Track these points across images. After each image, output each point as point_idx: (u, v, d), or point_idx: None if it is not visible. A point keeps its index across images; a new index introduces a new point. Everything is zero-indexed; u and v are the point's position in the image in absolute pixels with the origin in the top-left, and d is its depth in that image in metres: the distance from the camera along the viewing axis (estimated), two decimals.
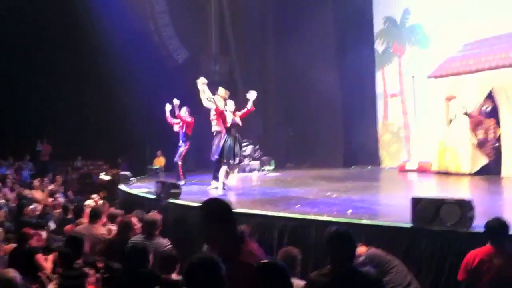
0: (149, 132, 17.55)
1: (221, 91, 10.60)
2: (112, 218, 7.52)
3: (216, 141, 10.69)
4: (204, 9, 19.20)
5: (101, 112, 17.59)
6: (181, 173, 11.96)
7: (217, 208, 3.24)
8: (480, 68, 12.31)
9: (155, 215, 6.46)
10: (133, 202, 10.10)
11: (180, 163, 11.94)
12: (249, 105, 10.16)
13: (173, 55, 18.19)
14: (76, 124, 17.51)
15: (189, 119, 11.80)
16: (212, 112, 10.73)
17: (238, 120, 9.86)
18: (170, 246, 5.99)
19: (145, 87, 16.75)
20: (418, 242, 5.66)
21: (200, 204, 3.38)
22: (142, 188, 11.22)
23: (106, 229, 7.10)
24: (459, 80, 12.93)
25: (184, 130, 11.82)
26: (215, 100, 10.29)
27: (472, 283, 4.70)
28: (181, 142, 11.97)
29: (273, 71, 19.68)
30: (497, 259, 4.57)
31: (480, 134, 12.29)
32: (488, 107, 12.15)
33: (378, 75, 17.28)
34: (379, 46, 17.45)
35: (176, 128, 12.04)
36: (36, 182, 13.22)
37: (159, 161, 17.34)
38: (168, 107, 11.92)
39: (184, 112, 11.81)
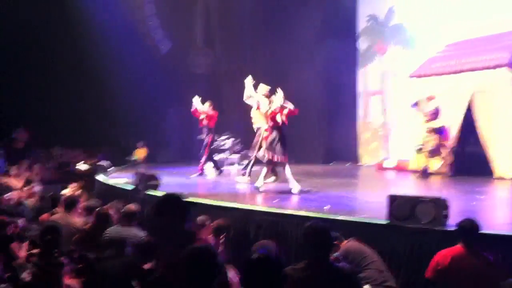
0: (130, 122, 17.42)
1: (262, 88, 10.52)
2: (89, 211, 7.46)
3: (256, 138, 10.78)
4: (190, 1, 19.09)
5: (81, 101, 17.39)
6: (200, 167, 12.53)
7: (172, 203, 3.21)
8: (461, 70, 12.43)
9: (133, 206, 6.45)
10: (111, 193, 10.05)
11: (204, 157, 12.51)
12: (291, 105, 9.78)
13: (158, 46, 18.07)
14: (54, 112, 17.28)
15: (211, 112, 12.40)
16: (253, 109, 10.82)
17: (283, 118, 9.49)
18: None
19: (127, 76, 16.58)
20: (394, 239, 5.73)
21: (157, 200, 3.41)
22: (120, 179, 11.16)
23: (83, 220, 7.05)
24: (440, 81, 13.05)
25: (207, 123, 12.34)
26: (258, 99, 10.37)
27: (443, 282, 4.75)
28: (204, 135, 12.54)
29: (256, 66, 19.64)
30: (469, 259, 4.62)
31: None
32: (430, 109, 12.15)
33: (360, 73, 17.37)
34: (362, 44, 17.54)
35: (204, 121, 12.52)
36: (13, 170, 13.04)
37: (140, 152, 17.24)
38: (195, 100, 12.42)
39: (208, 106, 12.40)
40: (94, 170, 13.61)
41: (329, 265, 3.72)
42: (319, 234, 3.73)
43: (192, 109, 12.51)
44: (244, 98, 10.82)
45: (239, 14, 19.07)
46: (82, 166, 15.94)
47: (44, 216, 7.73)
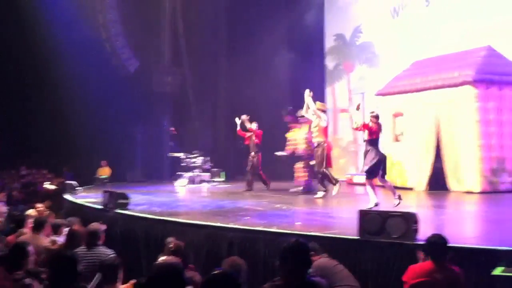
0: (96, 141, 17.22)
1: (320, 104, 11.13)
2: (55, 229, 7.34)
3: (318, 152, 10.92)
4: (157, 20, 19.10)
5: (47, 120, 17.16)
6: (265, 179, 13.35)
7: None
8: (426, 87, 12.65)
9: (97, 225, 6.35)
10: (79, 212, 9.89)
11: (261, 172, 13.32)
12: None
13: (125, 65, 17.98)
14: (20, 132, 17.01)
15: (258, 130, 13.23)
16: (313, 124, 11.08)
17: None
18: (113, 255, 5.88)
19: (94, 95, 16.44)
20: (365, 254, 5.76)
21: None
22: (88, 198, 11.01)
23: (50, 240, 6.91)
24: (406, 98, 13.28)
25: (255, 141, 13.13)
26: (318, 114, 10.83)
27: None
28: (253, 153, 13.22)
29: (224, 84, 19.75)
30: (438, 274, 4.64)
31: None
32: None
33: (328, 91, 17.58)
34: (329, 63, 17.80)
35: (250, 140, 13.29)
36: None
37: (104, 171, 17.03)
38: (238, 121, 13.32)
39: (255, 124, 13.26)
40: (62, 189, 13.39)
41: (307, 282, 3.70)
42: (299, 251, 3.71)
43: (237, 129, 13.32)
44: (303, 112, 11.33)
45: (207, 34, 19.18)
46: (49, 185, 15.67)
47: (11, 237, 7.54)
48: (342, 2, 17.53)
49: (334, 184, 10.92)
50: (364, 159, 8.89)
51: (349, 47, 17.09)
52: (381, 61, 15.96)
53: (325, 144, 10.89)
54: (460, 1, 13.56)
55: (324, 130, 10.91)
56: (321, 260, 5.42)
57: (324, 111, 10.97)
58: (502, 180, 11.65)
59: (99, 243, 6.04)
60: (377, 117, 8.96)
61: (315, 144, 11.05)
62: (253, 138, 13.11)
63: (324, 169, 10.85)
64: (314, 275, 4.90)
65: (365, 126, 8.83)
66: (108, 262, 5.24)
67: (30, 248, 5.41)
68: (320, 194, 10.95)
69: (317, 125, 10.94)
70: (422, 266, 4.75)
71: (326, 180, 11.03)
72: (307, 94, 11.06)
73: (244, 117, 13.25)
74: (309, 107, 10.99)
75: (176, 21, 19.01)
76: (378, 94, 14.97)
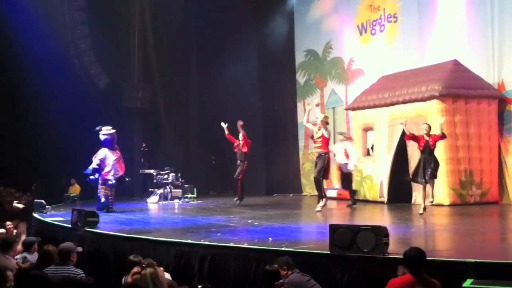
0: (66, 158, 16.93)
1: (323, 116, 11.28)
2: (27, 247, 7.23)
3: (319, 162, 11.06)
4: (127, 35, 19.00)
5: (15, 137, 16.82)
6: (239, 190, 13.22)
7: None
8: (394, 102, 12.82)
9: (69, 244, 6.26)
10: (48, 231, 9.72)
11: (239, 178, 13.19)
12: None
13: (94, 81, 17.81)
14: None
15: (248, 140, 13.32)
16: (317, 135, 11.16)
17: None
18: (83, 275, 5.80)
19: (63, 112, 16.19)
20: (336, 268, 5.76)
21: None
22: (57, 217, 10.82)
23: (21, 257, 6.85)
24: (375, 112, 13.43)
25: (243, 149, 13.17)
26: (324, 125, 10.99)
27: None
28: (238, 161, 13.21)
29: (196, 99, 19.71)
30: (419, 287, 4.66)
31: None
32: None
33: (300, 106, 17.68)
34: (300, 78, 17.93)
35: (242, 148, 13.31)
36: None
37: (74, 189, 16.74)
38: (224, 125, 13.41)
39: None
40: (31, 208, 13.12)
41: None
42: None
43: (226, 133, 13.43)
44: (304, 122, 11.79)
45: (177, 49, 19.15)
46: (17, 204, 15.35)
47: None
48: (311, 18, 17.71)
49: (322, 198, 11.06)
50: (429, 165, 10.04)
51: (321, 62, 17.25)
52: (351, 76, 16.14)
53: (327, 155, 11.04)
54: (426, 16, 13.81)
55: (327, 142, 11.09)
56: (294, 276, 5.42)
57: (328, 123, 11.17)
58: (471, 192, 11.85)
59: (69, 262, 5.95)
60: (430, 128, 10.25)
61: (316, 155, 11.22)
62: (241, 146, 13.25)
63: (321, 179, 11.03)
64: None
65: (437, 137, 10.14)
66: (83, 282, 5.15)
67: (9, 273, 5.24)
68: (319, 206, 11.08)
69: (320, 136, 11.06)
70: (402, 279, 4.75)
71: (318, 189, 11.18)
72: (313, 103, 11.53)
73: (239, 122, 13.31)
74: (310, 117, 11.52)
75: (146, 36, 18.94)
76: (347, 109, 15.14)
